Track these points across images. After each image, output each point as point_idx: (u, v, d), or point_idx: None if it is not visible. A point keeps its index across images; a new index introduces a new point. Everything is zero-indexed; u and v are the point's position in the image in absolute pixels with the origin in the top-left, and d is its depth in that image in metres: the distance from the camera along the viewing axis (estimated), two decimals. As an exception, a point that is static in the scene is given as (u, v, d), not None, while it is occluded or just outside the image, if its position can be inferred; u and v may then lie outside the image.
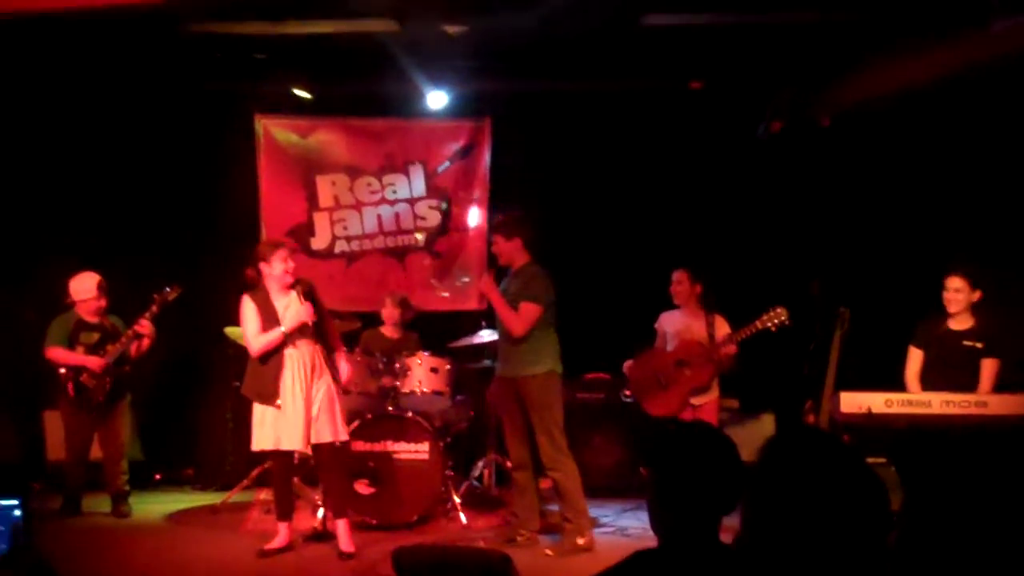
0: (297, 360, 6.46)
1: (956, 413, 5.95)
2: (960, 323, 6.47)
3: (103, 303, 7.73)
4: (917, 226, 7.74)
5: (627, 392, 7.85)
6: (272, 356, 6.46)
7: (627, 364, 7.59)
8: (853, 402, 6.13)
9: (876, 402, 6.10)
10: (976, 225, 7.43)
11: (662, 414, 7.20)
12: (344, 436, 6.67)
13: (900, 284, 7.63)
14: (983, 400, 6.00)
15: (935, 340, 6.54)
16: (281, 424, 6.39)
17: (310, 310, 6.43)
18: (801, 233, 8.57)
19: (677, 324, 7.40)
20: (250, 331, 6.52)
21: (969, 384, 6.31)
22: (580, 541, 6.57)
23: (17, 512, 3.84)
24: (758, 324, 6.99)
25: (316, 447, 6.48)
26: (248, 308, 6.53)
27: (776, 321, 6.94)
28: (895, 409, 6.06)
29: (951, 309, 6.46)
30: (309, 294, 6.54)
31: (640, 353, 7.52)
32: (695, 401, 7.24)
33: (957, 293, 6.43)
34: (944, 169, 7.62)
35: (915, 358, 6.64)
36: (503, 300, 6.66)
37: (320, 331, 6.61)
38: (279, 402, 6.38)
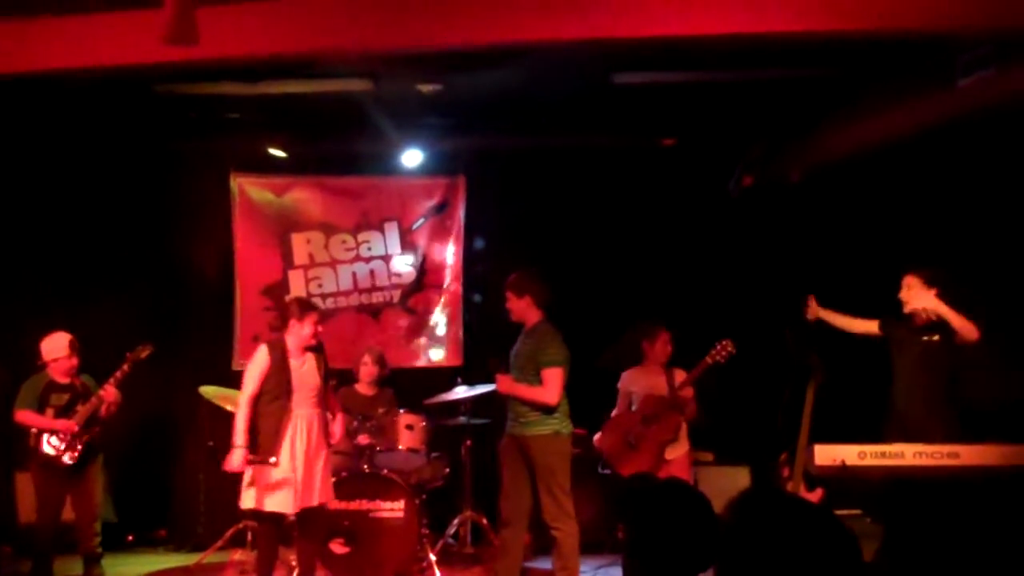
0: (303, 422, 6.41)
1: (929, 464, 5.98)
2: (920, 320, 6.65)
3: (75, 362, 7.67)
4: (887, 279, 7.81)
5: (602, 466, 7.71)
6: (277, 412, 6.37)
7: (596, 438, 7.55)
8: (827, 455, 6.14)
9: (850, 454, 6.11)
10: (946, 276, 7.50)
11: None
12: (330, 497, 6.68)
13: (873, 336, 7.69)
14: (955, 451, 6.03)
15: (899, 338, 6.68)
16: (280, 485, 6.29)
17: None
18: (773, 286, 8.62)
19: (641, 383, 7.42)
20: (246, 390, 6.43)
21: (935, 381, 6.52)
22: None
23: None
24: (708, 360, 7.11)
25: (307, 509, 6.42)
26: (259, 364, 6.47)
27: (724, 354, 7.04)
28: (869, 461, 6.08)
29: (905, 308, 6.64)
30: (322, 358, 6.60)
31: (605, 423, 7.50)
32: (666, 455, 7.24)
33: (909, 290, 6.61)
34: (913, 223, 7.71)
35: (869, 322, 6.89)
36: (525, 387, 6.55)
37: (324, 394, 6.60)
38: (273, 459, 6.25)
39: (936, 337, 6.56)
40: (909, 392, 6.64)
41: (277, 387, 6.40)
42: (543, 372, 6.52)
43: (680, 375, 7.36)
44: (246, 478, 6.36)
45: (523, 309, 6.70)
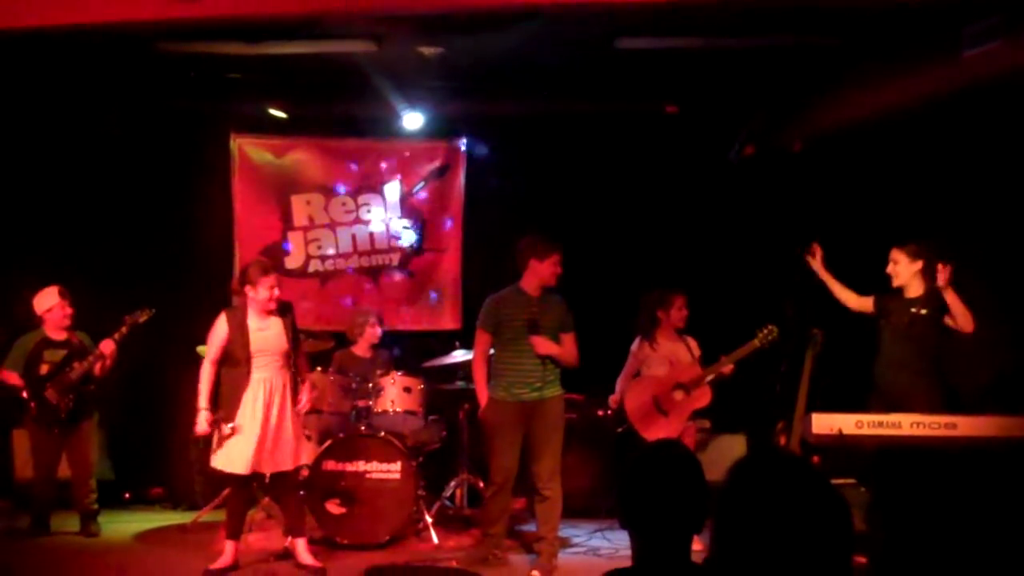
0: (264, 386, 6.50)
1: (926, 435, 6.02)
2: (912, 292, 6.75)
3: (68, 311, 7.69)
4: (887, 248, 7.81)
5: (617, 423, 7.71)
6: (237, 377, 6.49)
7: (614, 398, 7.55)
8: (824, 423, 6.18)
9: (847, 424, 6.16)
10: (947, 247, 7.50)
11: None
12: (301, 462, 6.76)
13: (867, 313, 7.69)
14: (952, 422, 6.07)
15: (891, 308, 6.75)
16: (236, 446, 6.42)
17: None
18: (774, 256, 8.61)
19: (662, 348, 7.40)
20: (208, 355, 6.61)
21: (918, 351, 6.61)
22: (556, 560, 6.66)
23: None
24: (756, 343, 7.09)
25: (273, 476, 6.60)
26: (218, 332, 6.57)
27: (770, 339, 7.04)
28: (866, 431, 6.12)
29: (893, 282, 6.78)
30: (289, 321, 6.63)
31: (623, 378, 7.50)
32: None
33: (895, 265, 6.76)
34: (915, 195, 7.69)
35: (864, 299, 6.99)
36: (561, 349, 6.71)
37: (292, 357, 6.65)
38: (232, 425, 6.41)
39: (924, 311, 6.59)
40: (893, 362, 6.70)
41: (236, 352, 6.51)
42: (568, 335, 6.76)
43: (694, 346, 7.38)
44: (214, 440, 6.50)
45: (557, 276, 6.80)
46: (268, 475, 6.70)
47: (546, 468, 6.62)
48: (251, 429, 6.41)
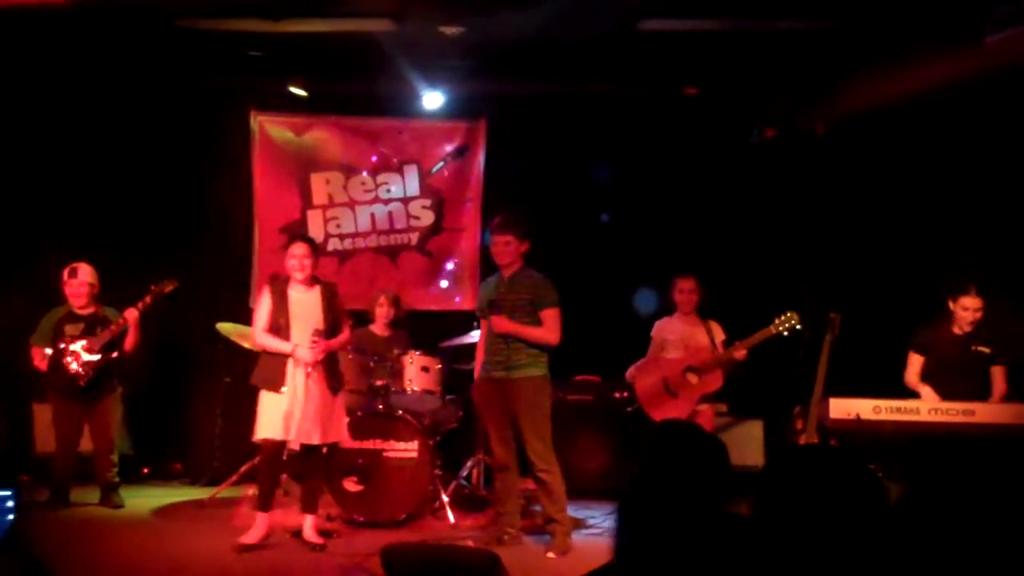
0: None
1: (944, 421, 6.01)
2: (960, 328, 6.59)
3: (79, 288, 7.71)
4: (908, 234, 7.79)
5: (629, 404, 7.73)
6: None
7: (629, 372, 7.57)
8: (842, 408, 6.19)
9: (865, 408, 6.16)
10: (967, 234, 7.47)
11: None
12: (336, 438, 6.72)
13: (890, 291, 7.68)
14: (971, 408, 6.06)
15: (941, 346, 6.63)
16: (275, 412, 6.42)
17: (317, 353, 6.47)
18: (793, 239, 8.60)
19: (679, 332, 7.41)
20: (258, 324, 6.63)
21: (979, 389, 6.47)
22: (569, 540, 6.64)
23: (9, 503, 3.86)
24: (772, 329, 7.03)
25: (307, 448, 6.53)
26: (263, 301, 6.67)
27: (788, 325, 6.98)
28: (884, 416, 6.12)
29: (969, 328, 6.61)
30: (328, 296, 6.67)
31: (642, 362, 7.51)
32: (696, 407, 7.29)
33: (977, 313, 6.58)
34: (936, 178, 7.66)
35: (915, 363, 6.80)
36: (526, 327, 6.65)
37: (330, 334, 6.65)
38: (284, 389, 6.41)
39: (986, 348, 6.55)
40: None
41: (279, 319, 6.57)
42: (546, 312, 6.65)
43: (718, 330, 7.37)
44: (259, 408, 6.50)
45: (518, 253, 6.76)
46: (295, 448, 6.59)
47: (535, 450, 6.60)
48: (298, 398, 6.41)
